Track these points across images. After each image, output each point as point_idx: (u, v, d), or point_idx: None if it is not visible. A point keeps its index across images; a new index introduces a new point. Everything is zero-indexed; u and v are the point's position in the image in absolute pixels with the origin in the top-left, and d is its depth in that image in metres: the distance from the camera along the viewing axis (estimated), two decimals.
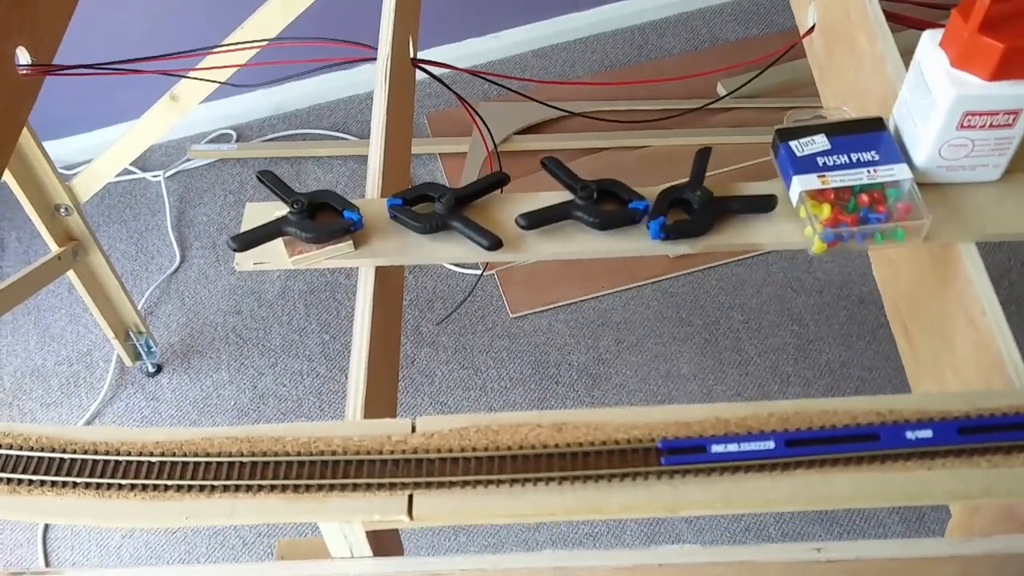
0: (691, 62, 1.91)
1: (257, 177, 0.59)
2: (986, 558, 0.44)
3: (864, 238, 0.54)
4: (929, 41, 0.53)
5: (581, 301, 1.66)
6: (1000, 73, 0.50)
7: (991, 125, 0.52)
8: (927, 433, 0.41)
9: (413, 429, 0.44)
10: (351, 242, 0.56)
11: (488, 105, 1.89)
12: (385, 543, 0.46)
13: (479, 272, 1.69)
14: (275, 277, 1.76)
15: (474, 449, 0.42)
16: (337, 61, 0.89)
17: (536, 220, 0.55)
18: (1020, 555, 0.44)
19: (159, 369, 1.59)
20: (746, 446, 0.41)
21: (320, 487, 0.42)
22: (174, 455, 0.41)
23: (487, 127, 2.02)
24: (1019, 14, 0.49)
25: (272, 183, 0.57)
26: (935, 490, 0.40)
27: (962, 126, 0.52)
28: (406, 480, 0.42)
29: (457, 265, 1.71)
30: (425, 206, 0.57)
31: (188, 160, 1.88)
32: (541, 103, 1.01)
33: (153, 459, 0.41)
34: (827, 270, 1.64)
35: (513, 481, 0.41)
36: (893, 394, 0.44)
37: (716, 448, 0.41)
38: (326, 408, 1.56)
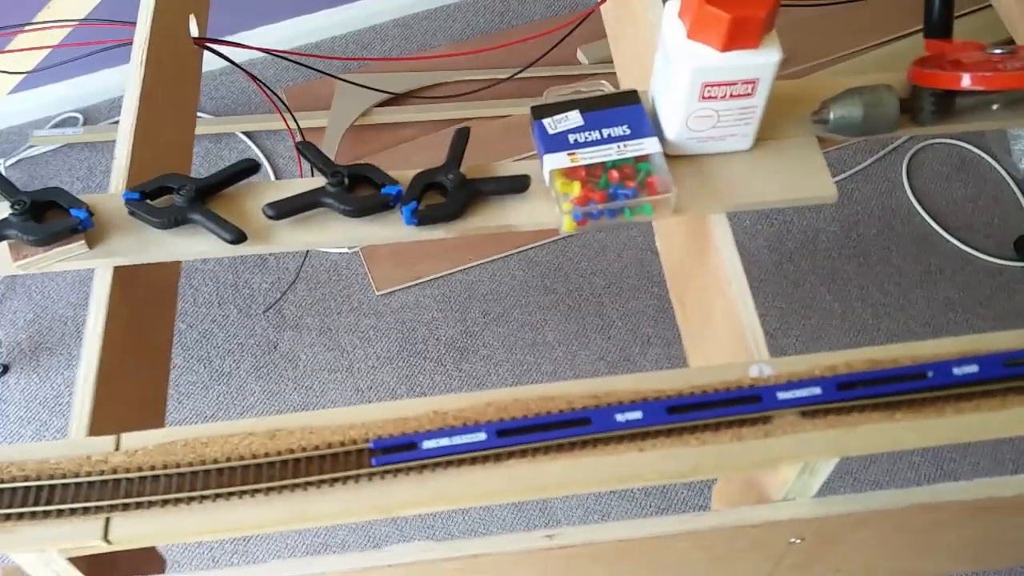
0: (552, 29, 1.89)
1: None
2: (716, 531, 0.44)
3: (614, 214, 0.53)
4: (671, 12, 0.52)
5: (448, 275, 1.64)
6: (731, 43, 0.50)
7: (731, 95, 0.52)
8: (637, 415, 0.41)
9: (117, 447, 0.41)
10: (83, 242, 0.52)
11: (348, 77, 1.83)
12: (102, 567, 0.43)
13: (344, 251, 1.65)
14: None
15: (178, 465, 0.40)
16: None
17: (284, 209, 0.52)
18: (749, 526, 0.45)
19: (6, 369, 1.49)
20: (458, 439, 0.40)
21: (8, 516, 0.39)
22: None
23: (343, 102, 1.93)
24: None
25: None
26: (645, 471, 0.40)
27: (704, 97, 0.52)
28: (102, 503, 0.39)
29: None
30: (167, 199, 0.54)
31: (32, 147, 1.75)
32: (369, 90, 0.97)
33: None
34: None
35: (217, 496, 0.39)
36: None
37: (428, 444, 0.40)
38: (184, 400, 1.50)
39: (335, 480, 0.39)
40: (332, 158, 1.86)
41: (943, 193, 1.69)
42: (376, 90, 1.53)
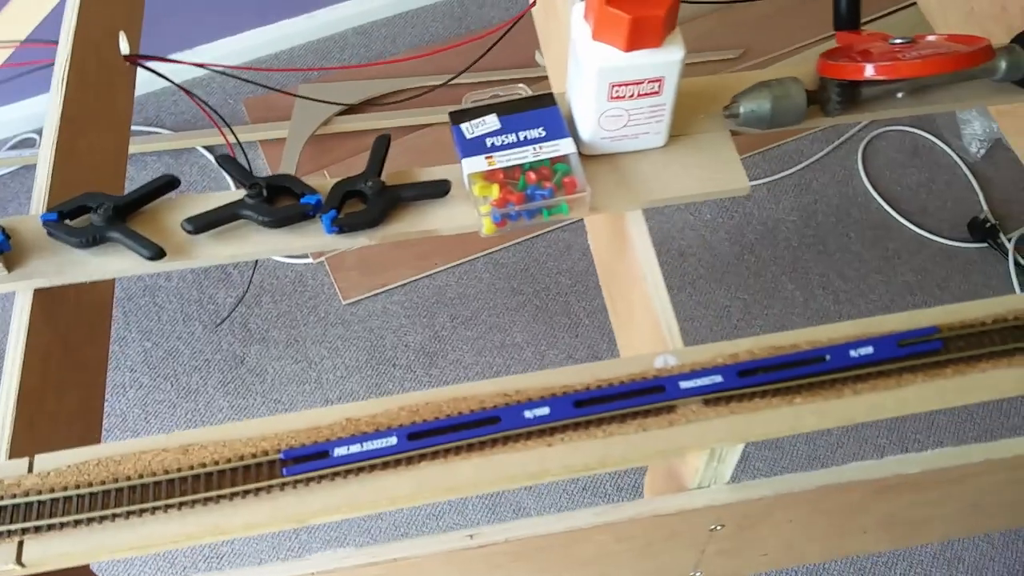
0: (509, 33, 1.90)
1: None
2: (633, 522, 0.45)
3: (532, 215, 0.54)
4: (577, 14, 0.53)
5: (415, 280, 1.64)
6: (634, 43, 0.51)
7: (639, 94, 0.53)
8: (545, 411, 0.41)
9: (31, 468, 0.41)
10: (1, 265, 0.52)
11: (307, 87, 1.83)
12: None
13: (308, 261, 1.64)
14: None
15: (90, 484, 0.40)
16: None
17: (203, 223, 0.53)
18: (667, 516, 0.46)
19: None
20: (369, 445, 0.40)
21: None
22: None
23: (304, 110, 1.92)
24: None
25: None
26: (553, 465, 0.41)
27: (613, 97, 0.53)
28: (13, 527, 0.39)
29: (283, 256, 1.65)
30: (86, 219, 0.54)
31: None
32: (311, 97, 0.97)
33: None
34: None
35: (130, 513, 0.40)
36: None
37: (339, 452, 0.40)
38: (151, 420, 1.49)
39: (246, 492, 0.40)
40: (293, 170, 1.86)
41: (898, 179, 1.71)
42: (330, 103, 1.54)
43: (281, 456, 0.41)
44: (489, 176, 0.54)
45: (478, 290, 1.63)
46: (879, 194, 1.70)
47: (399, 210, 0.54)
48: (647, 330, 0.52)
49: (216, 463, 0.40)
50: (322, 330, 1.59)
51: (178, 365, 1.56)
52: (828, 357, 0.43)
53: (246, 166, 0.57)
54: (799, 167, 1.74)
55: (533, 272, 1.64)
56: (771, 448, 1.44)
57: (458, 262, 1.65)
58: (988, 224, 1.67)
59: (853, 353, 0.43)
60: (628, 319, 0.58)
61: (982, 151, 1.76)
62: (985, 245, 1.65)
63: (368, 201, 0.54)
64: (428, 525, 1.41)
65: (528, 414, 0.41)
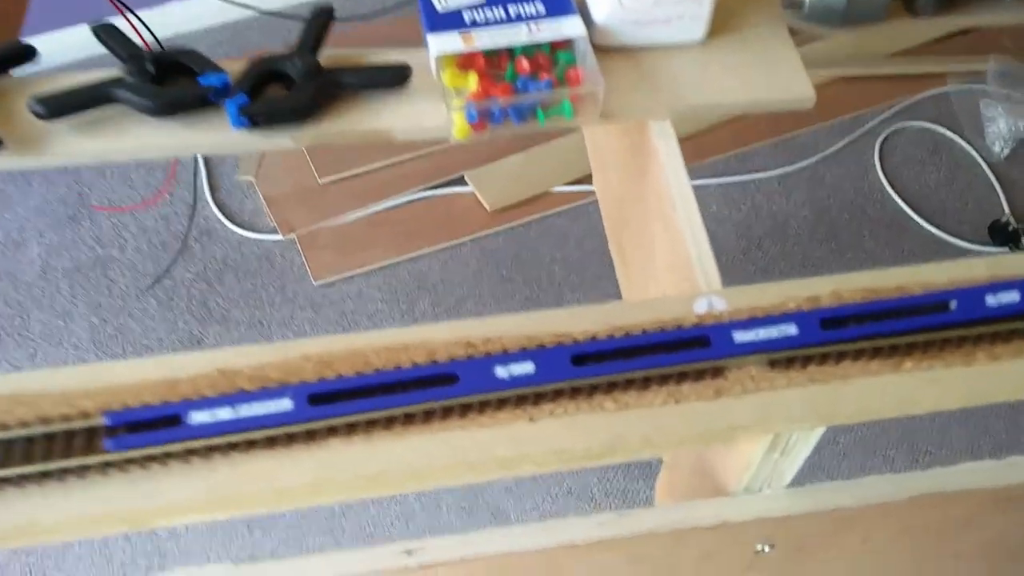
0: None
1: None
2: (652, 538, 0.31)
3: (522, 116, 0.39)
4: None
5: (395, 263, 1.51)
6: None
7: None
8: (527, 368, 0.27)
9: None
10: None
11: None
12: None
13: (279, 237, 1.50)
14: (34, 255, 1.51)
15: None
16: None
17: (61, 105, 0.38)
18: (699, 530, 0.31)
19: None
20: (248, 410, 0.25)
21: None
22: None
23: None
24: None
25: None
26: (535, 450, 0.26)
27: None
28: None
29: (250, 230, 1.51)
30: None
31: None
32: None
33: None
34: None
35: None
36: None
37: (198, 417, 0.25)
38: None
39: (48, 474, 0.25)
40: (253, 172, 1.67)
41: (916, 177, 1.60)
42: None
43: (106, 421, 0.26)
44: (466, 62, 0.40)
45: (464, 276, 1.49)
46: (896, 192, 1.58)
47: (338, 103, 0.40)
48: (673, 273, 0.38)
49: (5, 428, 0.26)
50: (289, 312, 1.44)
51: (127, 344, 1.41)
52: (953, 304, 0.28)
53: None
54: (812, 160, 1.62)
55: (525, 260, 1.51)
56: None
57: (443, 245, 1.52)
58: (1010, 227, 1.55)
59: (991, 300, 0.28)
60: (645, 266, 0.43)
61: (1006, 151, 1.65)
62: (1006, 249, 1.52)
63: (295, 87, 0.39)
64: (396, 528, 1.26)
65: (501, 372, 0.26)
